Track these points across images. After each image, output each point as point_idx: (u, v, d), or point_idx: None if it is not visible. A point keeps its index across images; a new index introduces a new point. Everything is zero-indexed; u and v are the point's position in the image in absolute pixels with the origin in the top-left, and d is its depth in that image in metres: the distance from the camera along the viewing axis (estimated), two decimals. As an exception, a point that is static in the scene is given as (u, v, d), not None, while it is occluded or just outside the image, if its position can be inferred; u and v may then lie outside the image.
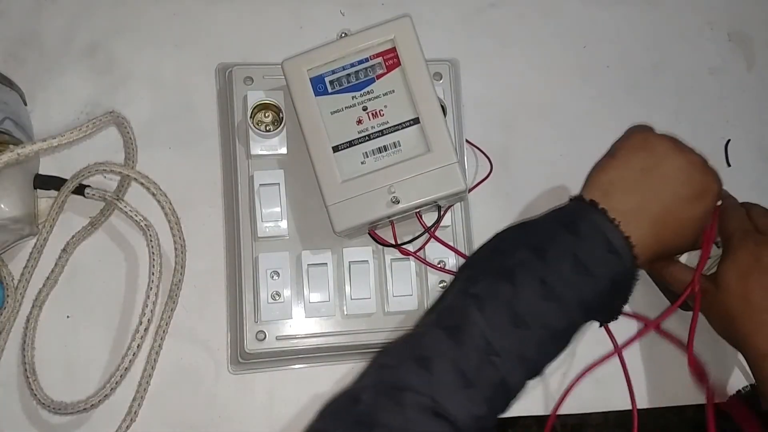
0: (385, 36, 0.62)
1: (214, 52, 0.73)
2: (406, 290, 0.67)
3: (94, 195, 0.65)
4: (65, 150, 0.68)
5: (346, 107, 0.62)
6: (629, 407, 0.68)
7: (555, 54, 0.80)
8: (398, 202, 0.61)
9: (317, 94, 0.62)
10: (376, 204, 0.61)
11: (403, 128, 0.62)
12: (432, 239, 0.67)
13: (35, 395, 0.62)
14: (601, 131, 0.78)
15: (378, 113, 0.62)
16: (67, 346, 0.65)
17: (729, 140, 0.79)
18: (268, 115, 0.67)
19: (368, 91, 0.63)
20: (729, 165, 0.79)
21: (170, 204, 0.66)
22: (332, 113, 0.62)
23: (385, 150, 0.62)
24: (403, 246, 0.67)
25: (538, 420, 0.70)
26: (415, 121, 0.62)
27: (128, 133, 0.68)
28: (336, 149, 0.62)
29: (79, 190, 0.65)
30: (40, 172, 0.67)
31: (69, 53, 0.71)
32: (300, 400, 0.66)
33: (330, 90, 0.63)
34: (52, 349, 0.65)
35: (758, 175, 0.76)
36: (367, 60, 0.63)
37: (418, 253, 0.68)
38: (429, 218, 0.67)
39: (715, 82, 0.82)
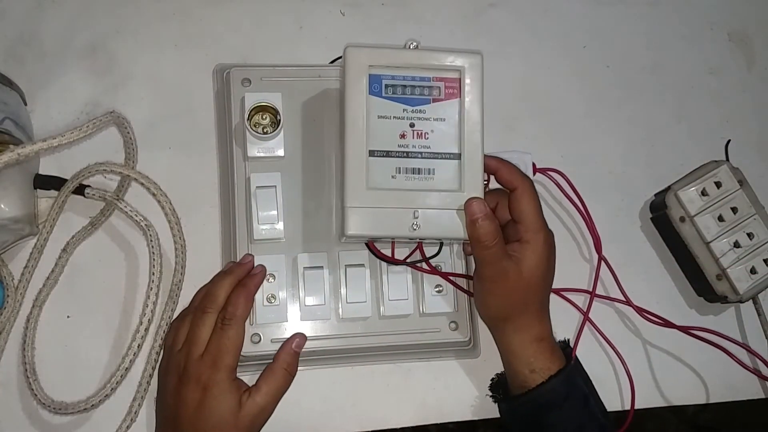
0: (455, 63, 0.62)
1: (214, 52, 0.73)
2: (401, 294, 0.67)
3: (94, 195, 0.66)
4: (65, 150, 0.68)
5: (394, 117, 0.61)
6: (628, 407, 0.69)
7: (555, 54, 0.80)
8: (417, 229, 0.60)
9: (371, 93, 0.61)
10: (397, 223, 0.60)
11: (442, 158, 0.61)
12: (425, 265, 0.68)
13: (35, 395, 0.62)
14: (601, 131, 0.78)
15: (423, 135, 0.61)
16: (67, 346, 0.65)
17: (729, 140, 0.79)
18: (266, 117, 0.67)
19: (420, 110, 0.62)
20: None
21: (170, 204, 0.66)
22: (379, 117, 0.61)
23: (419, 173, 0.61)
24: (399, 264, 0.67)
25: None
26: (457, 156, 0.61)
27: (128, 133, 0.68)
28: (371, 154, 0.61)
29: (79, 190, 0.66)
30: (40, 172, 0.67)
31: (69, 53, 0.71)
32: (298, 402, 0.66)
33: (384, 93, 0.61)
34: (52, 349, 0.65)
35: (758, 175, 0.76)
36: (429, 79, 0.62)
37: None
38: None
39: (715, 82, 0.82)
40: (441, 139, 0.61)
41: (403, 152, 0.61)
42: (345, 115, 0.60)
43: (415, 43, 0.62)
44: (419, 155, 0.61)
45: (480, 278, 0.63)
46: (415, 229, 0.60)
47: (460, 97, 0.62)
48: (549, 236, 0.63)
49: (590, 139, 0.78)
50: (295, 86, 0.69)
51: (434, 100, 0.62)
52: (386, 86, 0.61)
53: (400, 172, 0.61)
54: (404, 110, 0.61)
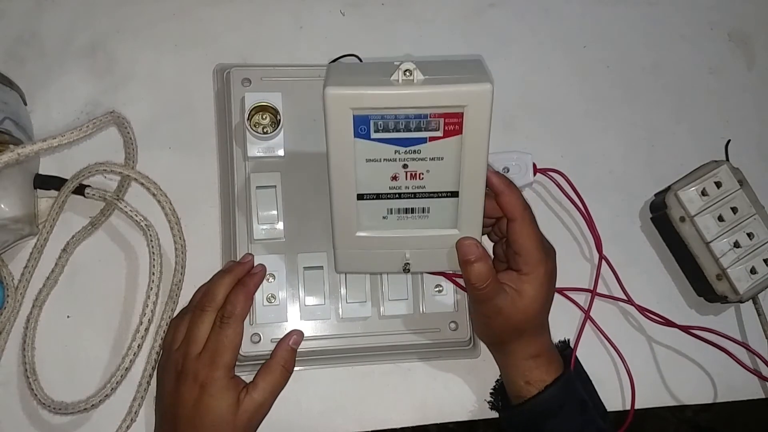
0: (458, 100, 0.51)
1: (214, 52, 0.73)
2: (401, 294, 0.67)
3: (94, 195, 0.66)
4: (65, 150, 0.68)
5: (384, 159, 0.54)
6: (628, 407, 0.69)
7: (555, 54, 0.80)
8: (408, 271, 0.60)
9: (357, 135, 0.53)
10: (388, 263, 0.60)
11: (437, 197, 0.57)
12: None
13: (35, 395, 0.62)
14: (601, 131, 0.78)
15: (417, 176, 0.55)
16: (67, 346, 0.65)
17: (729, 140, 0.79)
18: (266, 117, 0.67)
19: (415, 150, 0.54)
20: (729, 165, 0.79)
21: (170, 204, 0.66)
22: (367, 161, 0.54)
23: (412, 212, 0.57)
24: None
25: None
26: (454, 194, 0.56)
27: (128, 133, 0.68)
28: (360, 197, 0.56)
29: (79, 190, 0.66)
30: (40, 172, 0.67)
31: (69, 53, 0.71)
32: (298, 402, 0.66)
33: (372, 135, 0.53)
34: (52, 349, 0.65)
35: (758, 175, 0.76)
36: (425, 116, 0.52)
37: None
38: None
39: (715, 82, 0.82)
40: (437, 178, 0.56)
41: (395, 194, 0.56)
42: (329, 159, 0.54)
43: (409, 68, 0.51)
44: (412, 196, 0.56)
45: (474, 311, 0.64)
46: (407, 270, 0.60)
47: (462, 133, 0.53)
48: (549, 264, 0.61)
49: (590, 139, 0.78)
50: (295, 86, 0.69)
51: (431, 139, 0.53)
52: (374, 126, 0.53)
53: (392, 213, 0.58)
54: (396, 152, 0.54)
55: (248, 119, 0.66)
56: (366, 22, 0.77)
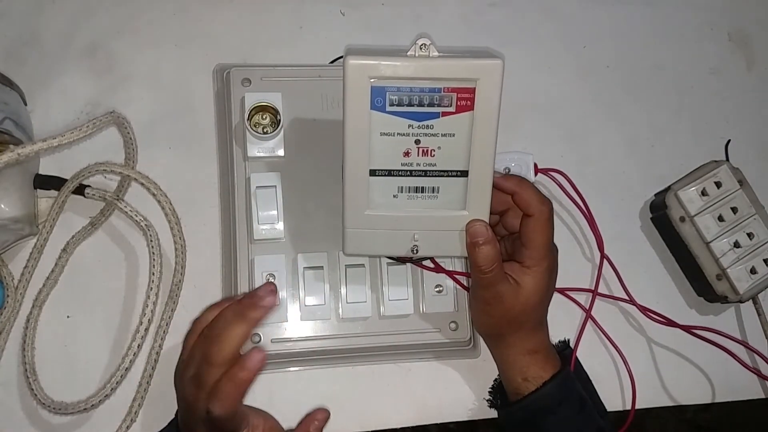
0: (470, 74, 0.54)
1: (214, 52, 0.73)
2: (401, 294, 0.67)
3: (94, 195, 0.66)
4: (65, 150, 0.68)
5: (398, 133, 0.56)
6: (629, 407, 0.69)
7: (555, 54, 0.80)
8: (417, 252, 0.60)
9: (373, 107, 0.55)
10: (396, 244, 0.60)
11: (448, 176, 0.58)
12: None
13: (35, 395, 0.62)
14: (601, 131, 0.78)
15: (429, 152, 0.57)
16: (67, 346, 0.65)
17: (729, 140, 0.79)
18: (266, 117, 0.67)
19: (428, 125, 0.56)
20: (729, 165, 0.79)
21: (170, 204, 0.66)
22: (381, 134, 0.56)
23: (422, 191, 0.58)
24: (405, 262, 0.68)
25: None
26: (463, 173, 0.57)
27: (128, 133, 0.68)
28: (372, 173, 0.57)
29: (79, 190, 0.66)
30: (40, 172, 0.67)
31: (69, 53, 0.71)
32: (298, 403, 0.66)
33: (388, 108, 0.55)
34: (52, 349, 0.65)
35: (758, 174, 0.76)
36: (439, 90, 0.54)
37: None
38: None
39: (715, 82, 0.82)
40: (448, 156, 0.57)
41: (407, 171, 0.57)
42: (345, 131, 0.56)
43: (425, 42, 0.54)
44: (423, 173, 0.57)
45: (475, 297, 0.63)
46: (415, 252, 0.60)
47: (473, 109, 0.55)
48: (552, 261, 0.62)
49: (591, 139, 0.78)
50: (295, 86, 0.69)
51: (444, 114, 0.55)
52: (390, 99, 0.55)
53: (402, 191, 0.58)
54: (410, 126, 0.56)
55: (248, 119, 0.66)
56: (366, 22, 0.77)
